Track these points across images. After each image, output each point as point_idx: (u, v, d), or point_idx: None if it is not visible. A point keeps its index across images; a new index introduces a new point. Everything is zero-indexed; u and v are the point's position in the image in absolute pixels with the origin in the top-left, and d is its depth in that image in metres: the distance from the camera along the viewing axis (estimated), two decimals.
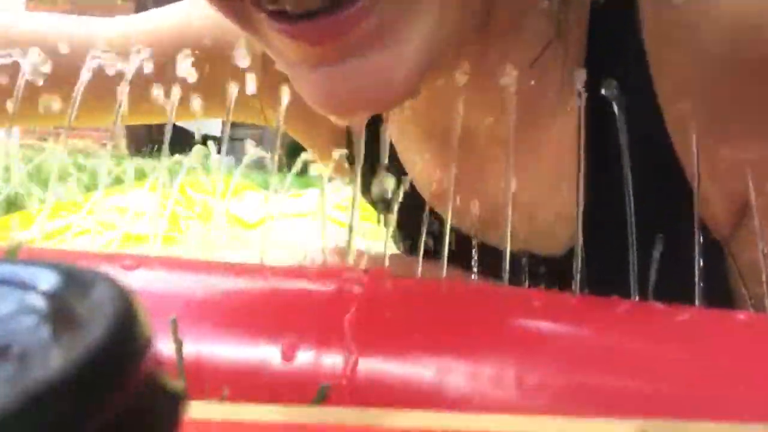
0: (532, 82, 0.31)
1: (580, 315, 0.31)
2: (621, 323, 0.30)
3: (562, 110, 0.33)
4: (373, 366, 0.28)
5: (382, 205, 0.38)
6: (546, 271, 0.34)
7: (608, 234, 0.28)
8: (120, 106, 0.43)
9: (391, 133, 0.34)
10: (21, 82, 0.31)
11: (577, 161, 0.28)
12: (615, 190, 0.26)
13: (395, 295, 0.31)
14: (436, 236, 0.30)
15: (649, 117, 0.32)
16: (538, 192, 0.35)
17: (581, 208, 0.26)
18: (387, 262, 0.31)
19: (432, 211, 0.33)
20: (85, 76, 0.33)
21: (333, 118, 0.29)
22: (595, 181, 0.29)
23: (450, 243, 0.27)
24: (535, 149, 0.35)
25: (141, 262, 0.36)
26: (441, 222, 0.30)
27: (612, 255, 0.27)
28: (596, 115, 0.28)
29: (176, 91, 0.33)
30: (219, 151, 0.51)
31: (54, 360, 0.12)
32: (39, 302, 0.13)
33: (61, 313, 0.13)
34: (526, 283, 0.31)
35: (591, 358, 0.28)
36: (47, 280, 0.14)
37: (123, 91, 0.38)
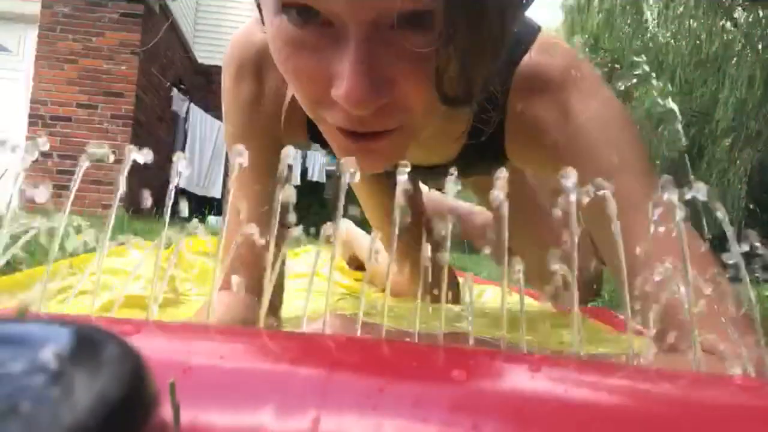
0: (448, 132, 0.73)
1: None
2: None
3: (455, 139, 0.75)
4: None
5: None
6: (433, 170, 0.77)
7: (464, 162, 0.75)
8: (124, 172, 0.44)
9: None
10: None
11: (457, 150, 0.79)
12: (471, 155, 0.75)
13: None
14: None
15: (498, 146, 0.72)
16: (441, 153, 0.79)
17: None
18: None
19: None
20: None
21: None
22: (462, 153, 0.76)
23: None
24: (443, 148, 0.77)
25: (140, 327, 0.36)
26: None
27: (464, 171, 0.52)
28: (471, 143, 0.73)
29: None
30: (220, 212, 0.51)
31: (62, 420, 0.12)
32: (49, 361, 0.14)
33: (70, 372, 0.13)
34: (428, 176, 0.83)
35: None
36: (57, 339, 0.14)
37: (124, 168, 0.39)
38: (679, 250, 0.34)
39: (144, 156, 0.39)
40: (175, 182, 0.41)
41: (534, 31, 0.67)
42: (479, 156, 0.73)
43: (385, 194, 1.11)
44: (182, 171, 0.39)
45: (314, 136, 0.73)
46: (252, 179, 0.62)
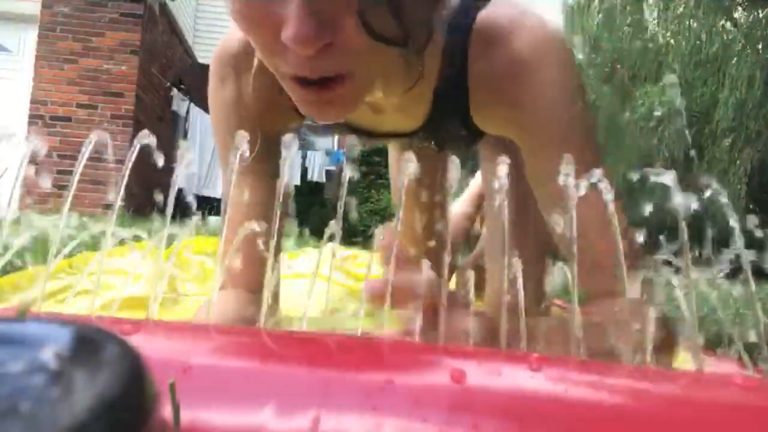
0: (414, 89, 0.71)
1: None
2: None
3: (423, 97, 0.75)
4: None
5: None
6: (402, 135, 0.85)
7: (435, 126, 0.79)
8: (126, 172, 0.44)
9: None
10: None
11: (425, 110, 0.79)
12: (440, 115, 0.77)
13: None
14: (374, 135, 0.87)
15: (463, 100, 0.73)
16: (409, 117, 0.80)
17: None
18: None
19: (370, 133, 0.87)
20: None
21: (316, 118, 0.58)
22: (432, 111, 0.77)
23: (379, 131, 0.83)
24: (411, 108, 0.78)
25: (140, 326, 0.36)
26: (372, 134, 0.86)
27: (436, 135, 0.83)
28: (438, 99, 0.75)
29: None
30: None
31: (62, 420, 0.12)
32: (49, 361, 0.14)
33: (70, 372, 0.13)
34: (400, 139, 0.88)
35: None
36: (57, 339, 0.14)
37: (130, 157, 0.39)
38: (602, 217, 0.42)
39: (147, 139, 0.38)
40: (181, 169, 0.41)
41: None
42: (448, 119, 0.77)
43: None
44: (186, 161, 0.39)
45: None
46: (243, 173, 0.66)
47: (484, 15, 0.68)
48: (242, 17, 0.50)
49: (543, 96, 0.65)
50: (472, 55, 0.69)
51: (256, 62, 0.70)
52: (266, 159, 0.65)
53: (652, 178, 0.36)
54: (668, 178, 0.35)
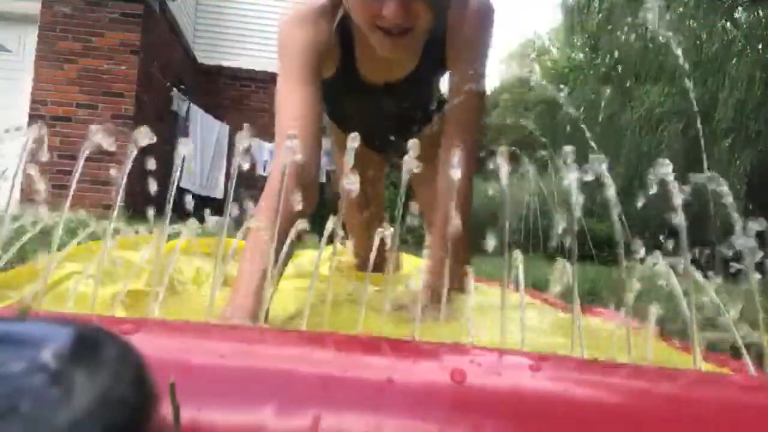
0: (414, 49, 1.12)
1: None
2: None
3: (419, 47, 1.10)
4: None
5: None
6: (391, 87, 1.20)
7: (418, 78, 1.19)
8: (125, 174, 0.44)
9: (364, 62, 1.15)
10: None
11: (416, 65, 1.17)
12: (427, 65, 1.16)
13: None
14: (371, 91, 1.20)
15: (441, 50, 1.12)
16: (403, 66, 1.17)
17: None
18: None
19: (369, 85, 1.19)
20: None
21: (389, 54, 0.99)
22: (421, 60, 1.15)
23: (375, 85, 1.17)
24: (407, 59, 1.15)
25: (140, 325, 0.36)
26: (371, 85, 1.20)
27: (414, 89, 1.23)
28: (426, 52, 1.14)
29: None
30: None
31: (62, 420, 0.12)
32: (49, 361, 0.14)
33: (70, 372, 0.13)
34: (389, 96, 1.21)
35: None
36: (57, 339, 0.14)
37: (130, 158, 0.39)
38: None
39: (148, 138, 0.38)
40: (180, 160, 0.41)
41: None
42: (430, 63, 1.14)
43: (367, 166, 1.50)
44: (185, 155, 0.39)
45: (345, 54, 1.13)
46: (296, 84, 0.99)
47: None
48: (361, 4, 0.92)
49: (479, 40, 1.09)
50: (451, 14, 1.07)
51: (338, 17, 1.07)
52: (315, 84, 1.00)
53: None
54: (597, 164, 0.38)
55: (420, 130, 1.31)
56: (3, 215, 0.39)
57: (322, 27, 1.06)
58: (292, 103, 0.97)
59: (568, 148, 0.41)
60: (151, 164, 0.42)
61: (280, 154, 0.81)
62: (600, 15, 6.32)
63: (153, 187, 0.46)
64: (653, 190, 0.40)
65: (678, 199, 0.37)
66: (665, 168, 0.38)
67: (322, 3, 1.07)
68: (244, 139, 0.46)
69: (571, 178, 0.40)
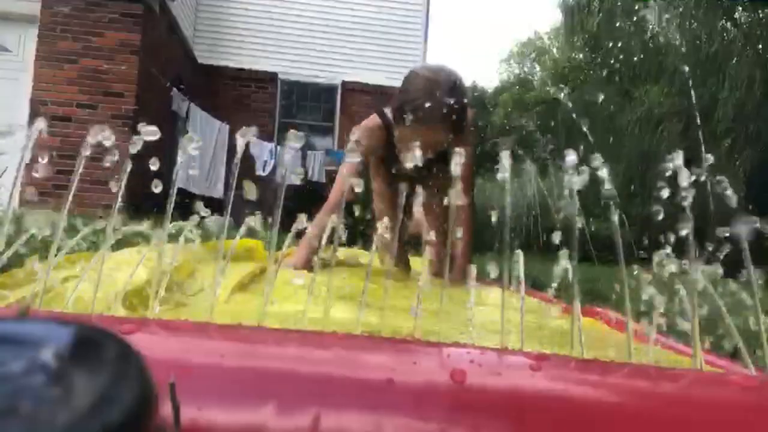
0: None
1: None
2: None
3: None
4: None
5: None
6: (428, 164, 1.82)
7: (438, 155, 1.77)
8: (125, 173, 0.44)
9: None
10: None
11: None
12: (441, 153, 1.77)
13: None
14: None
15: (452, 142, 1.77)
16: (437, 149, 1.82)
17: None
18: None
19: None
20: None
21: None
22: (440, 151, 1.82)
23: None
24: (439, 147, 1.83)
25: (140, 325, 0.36)
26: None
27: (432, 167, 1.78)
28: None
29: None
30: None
31: (62, 420, 0.12)
32: (49, 361, 0.14)
33: (70, 372, 0.13)
34: None
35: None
36: (57, 339, 0.14)
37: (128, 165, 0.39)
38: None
39: (151, 134, 0.38)
40: (181, 159, 0.41)
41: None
42: (442, 154, 1.57)
43: (394, 194, 1.98)
44: (191, 152, 0.39)
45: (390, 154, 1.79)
46: (373, 172, 1.91)
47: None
48: (401, 140, 1.65)
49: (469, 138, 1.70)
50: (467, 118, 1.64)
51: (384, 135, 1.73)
52: (385, 175, 1.83)
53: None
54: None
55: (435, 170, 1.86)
56: (3, 215, 0.39)
57: (377, 134, 1.75)
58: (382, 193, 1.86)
59: (571, 154, 0.41)
60: (153, 164, 0.42)
61: (341, 183, 1.61)
62: (600, 15, 6.32)
63: (157, 187, 0.46)
64: (664, 187, 0.40)
65: (685, 182, 0.37)
66: (678, 160, 0.38)
67: (378, 122, 1.75)
68: (244, 139, 0.46)
69: (574, 181, 0.40)
